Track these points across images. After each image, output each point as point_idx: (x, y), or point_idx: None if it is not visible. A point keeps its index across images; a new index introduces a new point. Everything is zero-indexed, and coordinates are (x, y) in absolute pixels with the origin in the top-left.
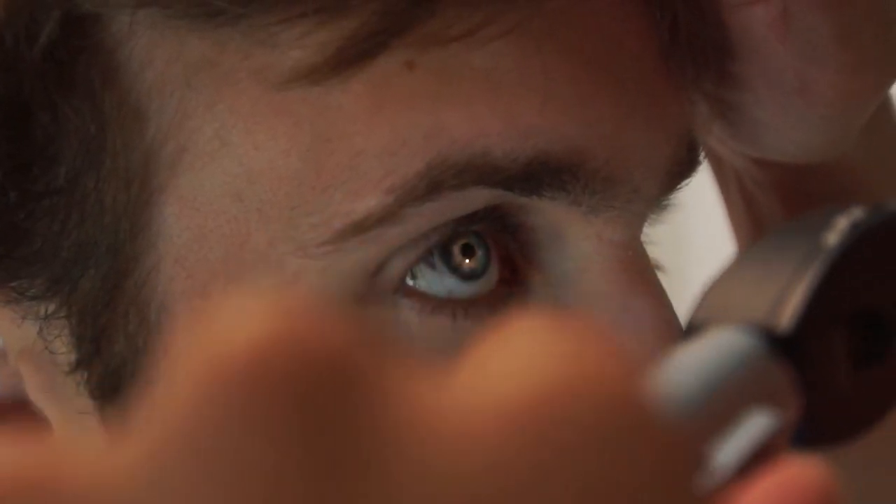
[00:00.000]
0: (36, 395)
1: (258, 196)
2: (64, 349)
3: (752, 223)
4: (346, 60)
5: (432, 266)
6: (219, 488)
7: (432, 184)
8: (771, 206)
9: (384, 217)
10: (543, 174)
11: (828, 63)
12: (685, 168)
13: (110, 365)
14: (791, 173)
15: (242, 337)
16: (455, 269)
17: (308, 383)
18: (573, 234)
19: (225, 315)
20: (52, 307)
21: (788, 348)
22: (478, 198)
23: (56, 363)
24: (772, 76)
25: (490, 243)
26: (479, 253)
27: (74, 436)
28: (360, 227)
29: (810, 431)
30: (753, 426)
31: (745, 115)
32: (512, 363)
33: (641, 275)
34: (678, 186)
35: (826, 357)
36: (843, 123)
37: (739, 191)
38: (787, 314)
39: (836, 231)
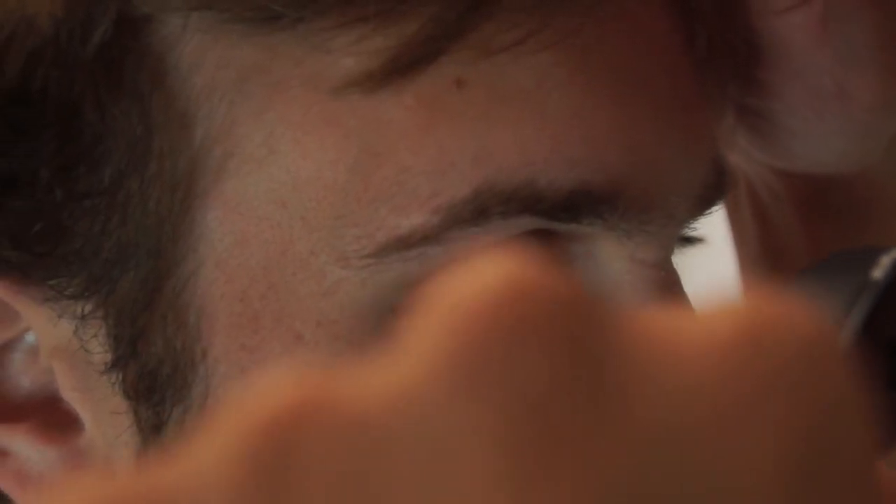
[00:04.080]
0: (69, 393)
1: (303, 204)
2: (99, 349)
3: (760, 236)
4: (400, 67)
5: None
6: (491, 411)
7: (478, 210)
8: (785, 219)
9: (428, 236)
10: (583, 205)
11: (868, 67)
12: (715, 192)
13: (147, 366)
14: (812, 185)
15: (490, 282)
16: None
17: (558, 319)
18: (606, 255)
19: (464, 269)
20: (89, 307)
21: None
22: (520, 225)
23: (91, 362)
24: (808, 82)
25: None
26: None
27: (107, 435)
28: (404, 243)
29: None
30: None
31: (776, 124)
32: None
33: (672, 294)
34: (707, 211)
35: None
36: (879, 129)
37: (750, 203)
38: None
39: (881, 267)
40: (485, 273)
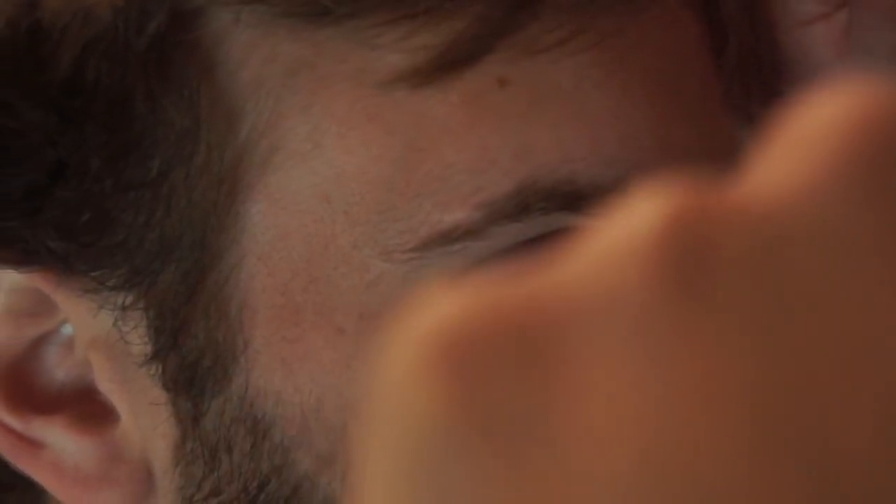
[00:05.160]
0: (105, 384)
1: (346, 199)
2: (139, 341)
3: None
4: (446, 65)
5: None
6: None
7: (520, 206)
8: None
9: (471, 231)
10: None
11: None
12: None
13: (187, 358)
14: None
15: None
16: None
17: None
18: None
19: (811, 105)
20: (130, 298)
21: None
22: (559, 221)
23: (130, 354)
24: None
25: None
26: None
27: (144, 427)
28: (447, 238)
29: None
30: None
31: None
32: None
33: None
34: None
35: None
36: None
37: None
38: None
39: None
40: (850, 96)
